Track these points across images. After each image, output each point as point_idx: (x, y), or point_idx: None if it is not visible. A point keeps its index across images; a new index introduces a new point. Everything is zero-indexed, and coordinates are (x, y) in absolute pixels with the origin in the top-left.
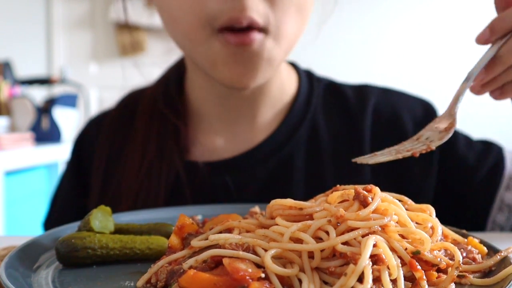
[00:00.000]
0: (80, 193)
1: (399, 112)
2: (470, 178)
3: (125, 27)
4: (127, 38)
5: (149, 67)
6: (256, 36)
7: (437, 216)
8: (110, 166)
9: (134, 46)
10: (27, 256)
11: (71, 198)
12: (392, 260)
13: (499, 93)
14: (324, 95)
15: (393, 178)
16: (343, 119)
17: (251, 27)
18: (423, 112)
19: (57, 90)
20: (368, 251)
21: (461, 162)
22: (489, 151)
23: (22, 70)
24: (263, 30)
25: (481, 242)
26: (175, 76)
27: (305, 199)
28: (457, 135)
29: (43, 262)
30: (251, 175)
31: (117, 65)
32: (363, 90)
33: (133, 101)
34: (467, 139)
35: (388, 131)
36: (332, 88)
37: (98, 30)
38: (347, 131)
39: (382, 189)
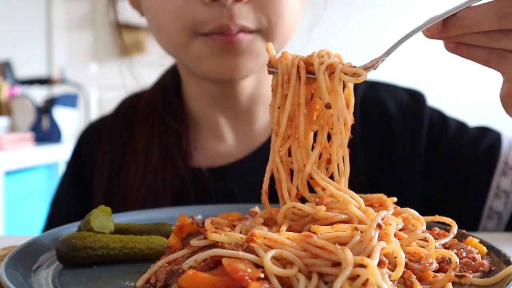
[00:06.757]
0: (79, 202)
1: (385, 102)
2: (462, 162)
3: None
4: (126, 38)
5: (149, 67)
6: (245, 37)
7: (431, 210)
8: (113, 175)
9: (134, 46)
10: (27, 256)
11: (70, 208)
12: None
13: (466, 51)
14: None
15: (381, 173)
16: None
17: (241, 31)
18: (410, 100)
19: (57, 90)
20: (376, 258)
21: (451, 147)
22: (484, 135)
23: (22, 70)
24: (254, 31)
25: (481, 242)
26: (172, 80)
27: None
28: (447, 120)
29: (43, 262)
30: (254, 178)
31: (117, 65)
32: None
33: (132, 106)
34: (459, 124)
35: (375, 121)
36: None
37: (98, 30)
38: None
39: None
